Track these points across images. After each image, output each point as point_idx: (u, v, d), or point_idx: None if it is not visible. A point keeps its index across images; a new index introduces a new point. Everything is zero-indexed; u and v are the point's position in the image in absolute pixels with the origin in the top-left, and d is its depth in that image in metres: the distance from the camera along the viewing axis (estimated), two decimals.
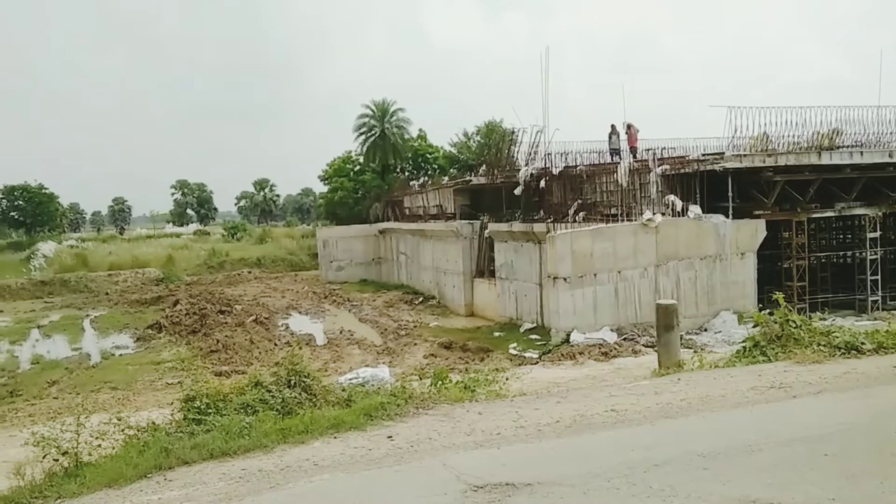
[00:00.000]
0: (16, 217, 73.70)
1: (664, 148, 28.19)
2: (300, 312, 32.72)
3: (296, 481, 6.70)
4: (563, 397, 9.24)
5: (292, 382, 9.36)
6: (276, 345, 24.34)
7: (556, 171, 27.82)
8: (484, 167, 36.31)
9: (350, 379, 12.54)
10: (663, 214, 22.89)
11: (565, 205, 26.81)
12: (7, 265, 51.48)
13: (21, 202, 73.20)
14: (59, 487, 7.57)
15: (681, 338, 12.81)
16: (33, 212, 73.28)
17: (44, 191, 74.61)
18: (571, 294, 21.47)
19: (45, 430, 8.23)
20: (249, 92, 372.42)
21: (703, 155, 25.27)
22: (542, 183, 27.97)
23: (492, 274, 30.02)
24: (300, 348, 17.80)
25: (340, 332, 26.47)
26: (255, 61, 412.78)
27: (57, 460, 8.13)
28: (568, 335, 20.96)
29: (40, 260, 51.10)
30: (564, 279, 21.45)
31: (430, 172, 56.89)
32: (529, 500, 5.66)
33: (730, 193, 22.99)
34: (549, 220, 25.99)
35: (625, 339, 20.86)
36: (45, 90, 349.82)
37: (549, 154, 28.86)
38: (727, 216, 23.08)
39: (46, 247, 56.81)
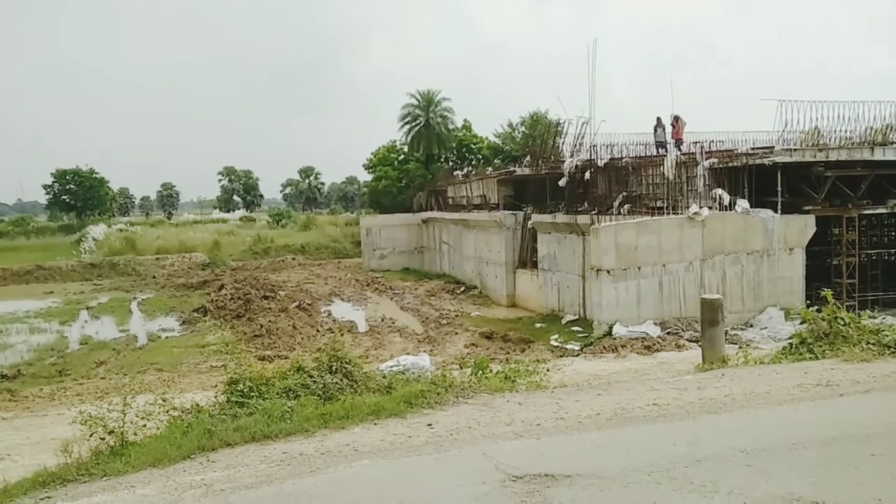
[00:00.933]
0: (67, 201, 75.60)
1: (712, 141, 27.70)
2: (342, 299, 32.95)
3: (336, 466, 6.74)
4: (604, 390, 9.16)
5: (334, 368, 9.44)
6: (318, 331, 24.56)
7: (601, 163, 27.53)
8: (528, 158, 36.10)
9: (391, 366, 12.58)
10: (710, 208, 22.54)
11: (610, 197, 26.54)
12: (58, 247, 52.81)
13: (72, 186, 75.11)
14: (104, 465, 7.71)
15: (725, 333, 12.61)
16: (84, 195, 75.10)
17: (94, 175, 76.42)
18: (615, 287, 21.28)
19: (93, 409, 8.41)
20: (297, 81, 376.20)
21: (752, 149, 24.77)
22: (587, 174, 27.71)
23: (534, 265, 29.89)
24: (342, 335, 17.95)
25: (382, 320, 26.58)
26: (302, 51, 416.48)
27: (103, 439, 8.29)
28: (610, 328, 20.80)
29: (90, 243, 52.31)
30: (608, 272, 21.27)
31: (474, 163, 56.79)
32: (569, 491, 5.62)
33: (779, 188, 22.54)
34: (593, 212, 25.77)
35: (668, 333, 20.61)
36: (98, 78, 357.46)
37: (594, 145, 28.56)
38: (776, 211, 22.64)
39: (96, 230, 58.07)
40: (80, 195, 74.99)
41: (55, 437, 11.17)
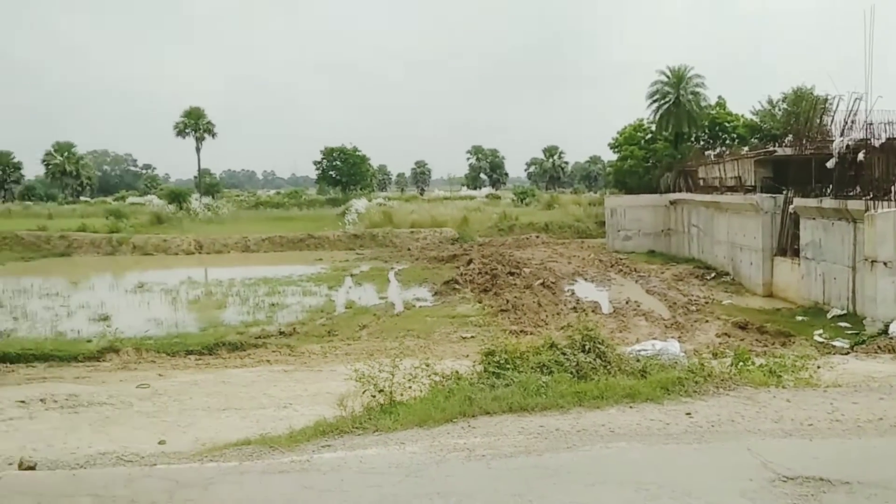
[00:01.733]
0: (333, 176, 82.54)
1: None
2: (586, 279, 32.78)
3: (592, 445, 6.82)
4: (886, 393, 8.37)
5: (587, 348, 9.51)
6: (562, 309, 24.67)
7: (877, 143, 24.81)
8: (790, 137, 33.51)
9: (638, 350, 12.39)
10: None
11: (888, 181, 23.86)
12: (326, 218, 57.74)
13: (338, 162, 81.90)
14: (376, 421, 8.42)
15: None
16: (348, 171, 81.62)
17: (357, 153, 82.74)
18: (893, 280, 19.23)
19: (365, 368, 9.20)
20: (546, 59, 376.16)
21: None
22: (861, 156, 25.11)
23: (795, 252, 27.75)
24: (586, 315, 17.94)
25: (626, 303, 26.08)
26: (551, 28, 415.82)
27: (374, 396, 9.06)
28: (887, 326, 18.81)
29: (353, 215, 56.32)
30: (885, 263, 19.26)
31: (727, 142, 53.78)
32: (847, 499, 5.25)
33: None
34: (867, 197, 23.34)
35: None
36: (360, 63, 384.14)
37: (869, 124, 25.77)
38: None
39: (359, 203, 62.50)
40: (344, 171, 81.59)
41: (329, 391, 12.36)
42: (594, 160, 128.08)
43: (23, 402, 11.98)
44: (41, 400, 12.11)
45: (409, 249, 45.34)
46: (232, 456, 7.73)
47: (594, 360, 9.27)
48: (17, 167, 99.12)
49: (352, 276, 33.88)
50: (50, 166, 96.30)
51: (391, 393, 9.05)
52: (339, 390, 10.30)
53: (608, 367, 9.20)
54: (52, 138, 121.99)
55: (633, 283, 31.90)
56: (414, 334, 20.64)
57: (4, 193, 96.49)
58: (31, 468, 7.49)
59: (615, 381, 8.55)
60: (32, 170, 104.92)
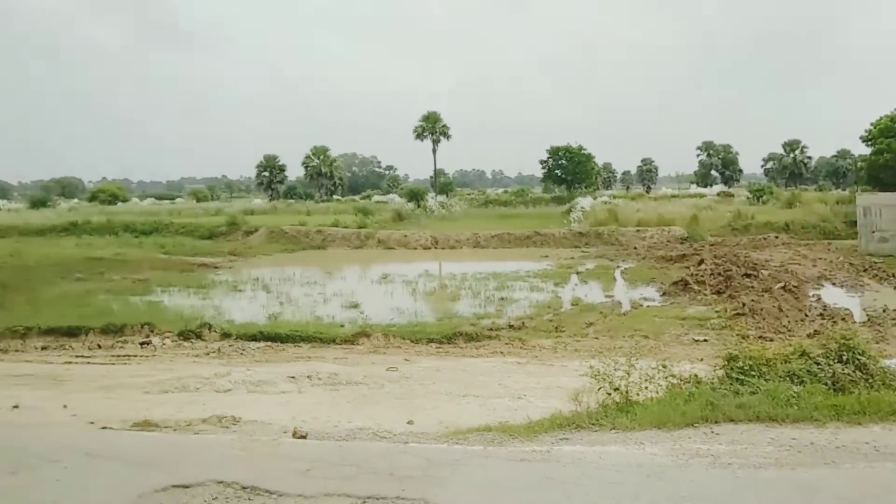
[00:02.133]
0: (559, 174, 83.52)
1: None
2: (834, 284, 30.18)
3: (853, 463, 6.43)
4: None
5: (844, 358, 8.88)
6: (806, 315, 22.91)
7: None
8: None
9: None
10: None
11: None
12: (551, 216, 58.22)
13: (564, 161, 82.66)
14: (612, 419, 8.45)
15: None
16: (573, 170, 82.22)
17: (582, 151, 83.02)
18: None
19: (600, 365, 9.23)
20: (783, 49, 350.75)
21: None
22: None
23: None
24: (834, 323, 16.53)
25: (884, 311, 23.65)
26: (792, 17, 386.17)
27: (609, 394, 9.08)
28: None
29: (578, 213, 56.19)
30: None
31: None
32: None
33: None
34: None
35: None
36: (585, 61, 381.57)
37: None
38: None
39: (584, 201, 62.22)
40: (569, 169, 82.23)
41: (560, 385, 12.53)
42: (842, 154, 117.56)
43: (293, 377, 13.40)
44: (308, 377, 13.45)
45: (634, 248, 44.36)
46: (476, 440, 8.13)
47: (853, 371, 8.62)
48: (282, 169, 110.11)
49: (577, 273, 33.80)
50: (308, 168, 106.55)
51: (626, 392, 9.02)
52: (572, 385, 10.42)
53: (870, 380, 8.51)
54: (311, 143, 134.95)
55: (892, 290, 28.91)
56: (642, 334, 20.16)
57: (272, 192, 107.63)
58: (304, 437, 8.42)
59: (879, 396, 7.92)
60: (294, 171, 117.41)
